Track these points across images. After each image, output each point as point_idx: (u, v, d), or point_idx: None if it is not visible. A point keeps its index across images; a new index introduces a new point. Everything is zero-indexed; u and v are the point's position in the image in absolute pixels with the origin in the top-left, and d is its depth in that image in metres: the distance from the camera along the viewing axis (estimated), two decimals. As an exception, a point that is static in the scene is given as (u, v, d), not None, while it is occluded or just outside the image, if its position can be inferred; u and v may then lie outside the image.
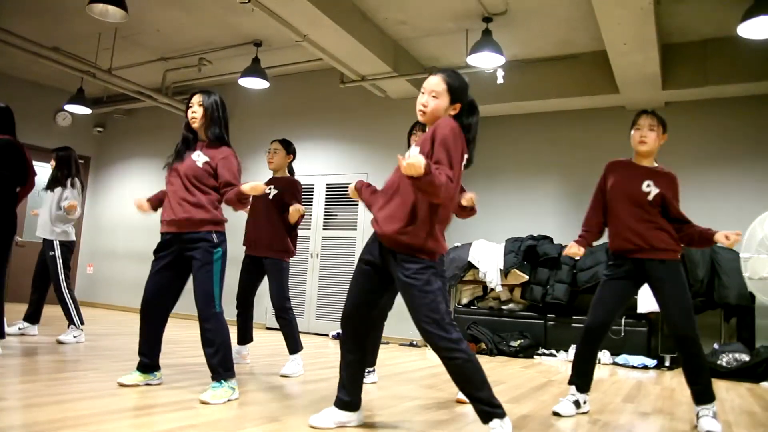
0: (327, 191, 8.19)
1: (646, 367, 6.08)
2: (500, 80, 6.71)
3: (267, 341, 6.28)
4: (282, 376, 4.15)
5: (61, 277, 5.17)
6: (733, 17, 5.25)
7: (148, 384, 3.37)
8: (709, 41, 6.54)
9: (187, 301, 3.41)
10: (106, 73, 7.94)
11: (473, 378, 2.50)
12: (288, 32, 6.15)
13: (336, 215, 8.12)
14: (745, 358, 5.59)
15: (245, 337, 4.62)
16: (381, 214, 2.69)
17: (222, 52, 7.88)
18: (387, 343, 7.25)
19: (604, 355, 6.36)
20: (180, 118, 9.11)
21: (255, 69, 7.25)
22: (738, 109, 6.66)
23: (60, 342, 4.97)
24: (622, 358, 6.24)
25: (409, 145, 3.97)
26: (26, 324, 5.24)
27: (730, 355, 5.64)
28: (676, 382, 5.27)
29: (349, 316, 2.81)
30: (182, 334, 6.53)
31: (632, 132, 3.48)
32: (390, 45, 7.03)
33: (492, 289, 7.24)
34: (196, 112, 3.38)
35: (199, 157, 3.35)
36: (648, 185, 3.34)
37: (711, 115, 6.83)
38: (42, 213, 5.31)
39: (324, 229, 8.13)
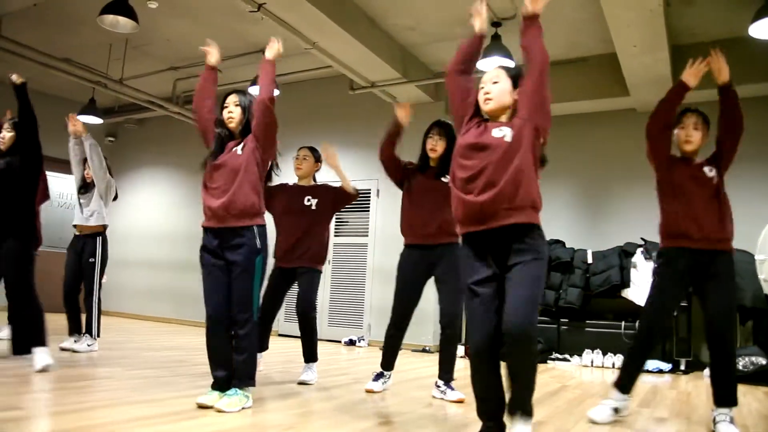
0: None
1: (661, 371, 6.03)
2: (509, 84, 6.69)
3: (279, 348, 6.28)
4: (300, 383, 4.13)
5: (97, 283, 5.16)
6: (744, 17, 5.22)
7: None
8: (720, 42, 6.47)
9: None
10: (118, 83, 7.99)
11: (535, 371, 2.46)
12: (297, 40, 6.17)
13: (347, 221, 8.12)
14: (762, 361, 5.54)
15: (262, 345, 4.61)
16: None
17: (231, 60, 7.89)
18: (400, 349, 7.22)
19: (618, 360, 6.32)
20: (190, 126, 9.17)
21: (264, 77, 7.27)
22: (750, 109, 6.51)
23: (73, 351, 4.94)
24: (636, 362, 6.19)
25: (424, 148, 3.94)
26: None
27: (747, 359, 5.59)
28: (691, 386, 5.23)
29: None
30: (192, 342, 6.57)
31: (676, 131, 3.41)
32: (399, 51, 7.04)
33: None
34: (233, 111, 3.31)
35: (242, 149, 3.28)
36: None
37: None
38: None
39: (335, 235, 8.13)
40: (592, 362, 6.48)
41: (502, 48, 6.10)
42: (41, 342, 3.97)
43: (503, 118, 2.55)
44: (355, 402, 3.58)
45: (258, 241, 3.19)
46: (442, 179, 3.79)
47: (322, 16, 5.66)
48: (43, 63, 7.39)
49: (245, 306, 3.13)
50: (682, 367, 6.16)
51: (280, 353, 5.79)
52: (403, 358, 6.31)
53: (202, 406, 3.07)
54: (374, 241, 7.85)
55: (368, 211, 7.94)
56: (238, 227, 3.15)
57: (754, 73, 6.31)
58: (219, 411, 2.96)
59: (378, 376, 4.02)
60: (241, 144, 3.26)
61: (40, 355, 3.89)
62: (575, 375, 5.69)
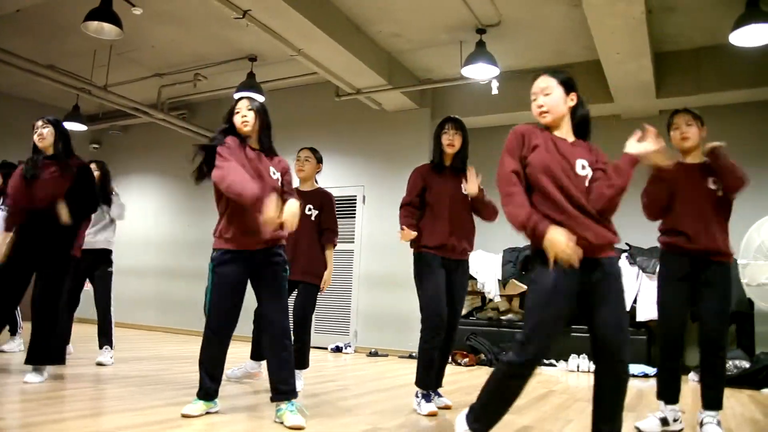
0: (324, 204, 8.19)
1: (646, 376, 6.06)
2: (495, 91, 6.74)
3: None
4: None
5: (112, 294, 5.12)
6: (725, 25, 5.28)
7: (208, 413, 3.17)
8: (702, 49, 6.58)
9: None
10: (102, 90, 7.94)
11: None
12: (283, 47, 6.18)
13: (333, 228, 8.10)
14: (746, 365, 5.59)
15: (261, 354, 4.55)
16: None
17: (217, 67, 7.90)
18: (386, 355, 7.23)
19: (604, 364, 6.35)
20: (175, 133, 9.16)
21: (250, 84, 7.27)
22: (732, 116, 6.68)
23: (100, 364, 4.83)
24: (622, 367, 6.22)
25: (439, 144, 3.78)
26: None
27: (731, 362, 5.62)
28: (676, 390, 5.26)
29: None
30: (178, 350, 6.53)
31: (671, 133, 3.42)
32: (384, 58, 7.06)
33: (491, 300, 7.23)
34: (246, 116, 3.23)
35: (274, 175, 3.27)
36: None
37: (705, 123, 6.84)
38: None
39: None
40: (578, 367, 6.50)
41: (487, 54, 6.14)
42: (61, 359, 4.01)
43: (564, 128, 2.56)
44: (343, 409, 3.57)
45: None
46: (462, 186, 3.73)
47: (307, 23, 5.67)
48: (28, 69, 7.32)
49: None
50: (667, 372, 6.19)
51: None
52: (390, 365, 6.32)
53: (186, 416, 3.05)
54: (360, 247, 7.85)
55: (354, 217, 7.93)
56: None
57: (735, 80, 6.40)
58: (297, 428, 2.90)
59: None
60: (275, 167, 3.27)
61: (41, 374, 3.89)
62: (561, 380, 5.71)
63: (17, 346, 5.49)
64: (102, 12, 5.55)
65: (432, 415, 3.50)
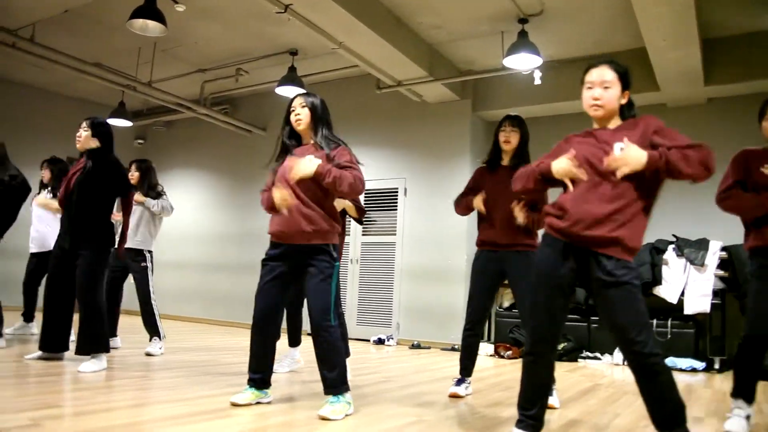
0: (366, 196, 8.20)
1: (694, 370, 5.95)
2: (537, 81, 6.66)
3: (307, 346, 6.30)
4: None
5: (151, 288, 5.20)
6: (778, 9, 5.12)
7: (259, 402, 3.23)
8: (752, 35, 6.38)
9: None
10: (147, 86, 8.09)
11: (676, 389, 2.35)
12: (324, 40, 6.19)
13: (375, 220, 8.13)
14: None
15: (296, 340, 4.64)
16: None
17: (258, 62, 7.96)
18: (429, 347, 7.23)
19: (650, 358, 6.25)
20: (218, 128, 9.28)
21: (291, 77, 7.31)
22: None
23: (149, 354, 4.96)
24: (669, 361, 6.11)
25: (497, 141, 3.81)
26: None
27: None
28: (727, 385, 5.14)
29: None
30: (222, 342, 6.63)
31: (763, 123, 3.45)
32: (425, 49, 7.03)
33: (534, 292, 7.15)
34: (300, 114, 3.26)
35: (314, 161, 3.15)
36: None
37: (756, 111, 6.65)
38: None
39: (363, 234, 8.15)
40: (623, 361, 6.40)
41: (529, 44, 6.06)
42: (105, 348, 4.09)
43: (612, 124, 2.52)
44: (387, 401, 3.58)
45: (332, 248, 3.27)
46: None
47: (348, 16, 5.67)
48: (75, 68, 7.51)
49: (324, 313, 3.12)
50: (716, 366, 6.06)
51: (308, 351, 5.79)
52: (432, 357, 6.32)
53: (235, 405, 3.10)
54: (402, 240, 7.85)
55: (396, 210, 7.93)
56: None
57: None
58: (324, 419, 2.91)
59: (460, 381, 3.89)
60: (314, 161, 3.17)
61: (98, 360, 4.02)
62: (607, 373, 5.64)
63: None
64: (146, 10, 5.64)
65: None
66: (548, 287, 2.46)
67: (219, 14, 6.73)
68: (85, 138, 4.26)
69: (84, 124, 4.30)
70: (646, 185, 2.39)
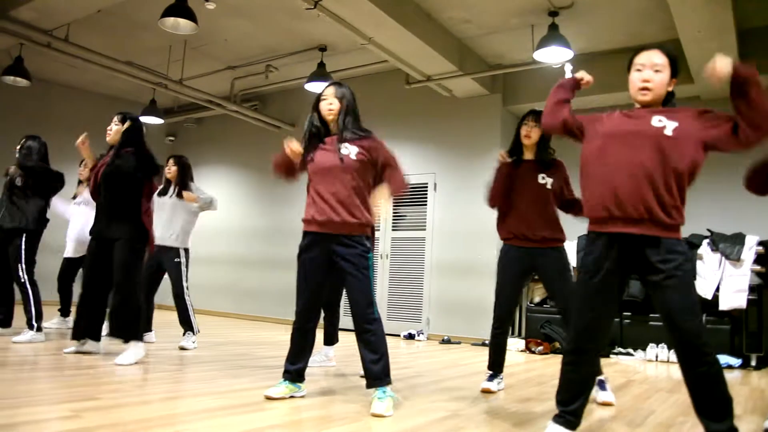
0: (394, 192, 8.20)
1: (730, 367, 5.85)
2: (568, 74, 6.56)
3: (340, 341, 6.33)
4: (362, 376, 4.13)
5: (185, 283, 5.27)
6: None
7: (292, 396, 3.23)
8: (792, 25, 6.24)
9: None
10: (177, 83, 8.18)
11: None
12: (353, 36, 6.20)
13: (405, 215, 8.13)
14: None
15: (332, 339, 4.67)
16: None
17: (288, 58, 8.00)
18: (459, 342, 7.22)
19: (684, 354, 6.16)
20: (248, 124, 9.35)
21: (321, 73, 7.33)
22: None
23: (182, 348, 5.03)
24: (704, 357, 6.02)
25: (518, 136, 3.79)
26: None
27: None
28: (765, 382, 5.06)
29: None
30: (254, 336, 6.68)
31: None
32: (455, 44, 7.00)
33: (564, 288, 7.10)
34: (332, 104, 3.25)
35: (345, 150, 3.18)
36: None
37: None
38: (162, 220, 5.18)
39: (393, 229, 8.15)
40: (656, 357, 6.32)
41: (560, 37, 6.00)
42: (138, 336, 4.15)
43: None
44: (420, 395, 3.59)
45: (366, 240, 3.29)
46: (539, 178, 3.70)
47: (378, 12, 5.67)
48: (108, 66, 7.62)
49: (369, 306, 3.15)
50: (753, 363, 5.96)
51: (341, 346, 5.83)
52: (463, 352, 6.31)
53: (269, 398, 3.13)
54: (432, 235, 7.83)
55: (426, 205, 7.92)
56: None
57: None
58: (378, 416, 2.91)
59: (492, 376, 3.89)
60: (349, 147, 3.19)
61: (134, 350, 4.08)
62: (640, 369, 5.57)
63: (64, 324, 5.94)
64: (178, 8, 5.71)
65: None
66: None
67: (248, 11, 6.78)
68: (115, 131, 4.33)
69: (115, 119, 4.38)
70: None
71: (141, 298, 4.31)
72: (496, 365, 3.89)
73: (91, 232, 4.36)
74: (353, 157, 3.16)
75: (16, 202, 5.01)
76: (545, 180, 3.71)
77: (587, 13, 6.26)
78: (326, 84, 3.42)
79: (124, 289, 4.14)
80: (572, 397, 2.47)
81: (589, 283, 2.41)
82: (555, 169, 3.74)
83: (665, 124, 2.35)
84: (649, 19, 6.29)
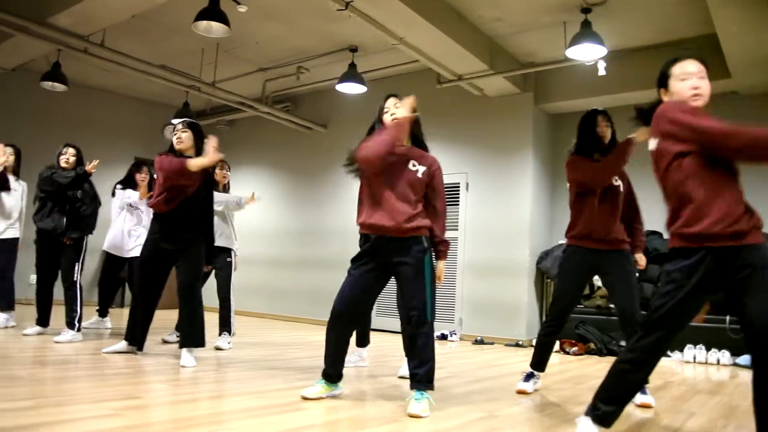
0: (426, 192, 8.19)
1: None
2: (602, 72, 6.51)
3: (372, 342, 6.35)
4: (400, 377, 4.13)
5: (232, 285, 5.35)
6: None
7: (329, 396, 3.27)
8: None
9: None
10: (210, 86, 8.27)
11: None
12: (384, 36, 6.20)
13: (436, 216, 8.10)
14: None
15: (364, 340, 4.68)
16: None
17: (319, 59, 8.04)
18: (492, 343, 7.18)
19: (723, 356, 6.05)
20: (279, 125, 9.41)
21: (352, 74, 7.35)
22: None
23: (218, 348, 5.07)
24: (743, 359, 5.90)
25: (595, 134, 3.72)
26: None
27: None
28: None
29: None
30: (288, 337, 6.72)
31: None
32: (486, 42, 6.96)
33: (599, 287, 7.03)
34: (396, 114, 3.29)
35: (415, 167, 3.25)
36: None
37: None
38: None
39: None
40: (694, 358, 6.22)
41: (593, 34, 5.93)
42: (201, 342, 4.23)
43: None
44: (456, 396, 3.58)
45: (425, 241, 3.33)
46: (613, 180, 3.65)
47: (409, 12, 5.66)
48: (142, 70, 7.73)
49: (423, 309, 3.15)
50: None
51: (374, 347, 5.85)
52: (497, 353, 6.27)
53: (305, 398, 3.15)
54: (464, 234, 7.81)
55: (458, 204, 7.90)
56: None
57: None
58: (415, 416, 2.91)
59: (529, 376, 3.87)
60: (417, 164, 3.26)
61: (191, 355, 4.16)
62: (677, 371, 5.49)
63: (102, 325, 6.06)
64: (210, 12, 5.76)
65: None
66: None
67: (280, 14, 6.83)
68: (186, 138, 4.29)
69: (180, 126, 4.34)
70: None
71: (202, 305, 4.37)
72: (538, 364, 3.85)
73: (151, 241, 4.35)
74: (420, 176, 3.25)
75: (77, 206, 5.13)
76: (618, 182, 3.68)
77: (621, 9, 6.18)
78: (386, 96, 3.46)
79: (192, 301, 4.25)
80: (616, 401, 2.47)
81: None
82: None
83: None
84: (685, 14, 6.19)
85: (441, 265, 3.35)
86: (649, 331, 2.39)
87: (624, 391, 2.46)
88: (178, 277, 4.26)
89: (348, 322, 3.29)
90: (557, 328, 3.75)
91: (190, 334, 4.19)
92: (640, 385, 2.52)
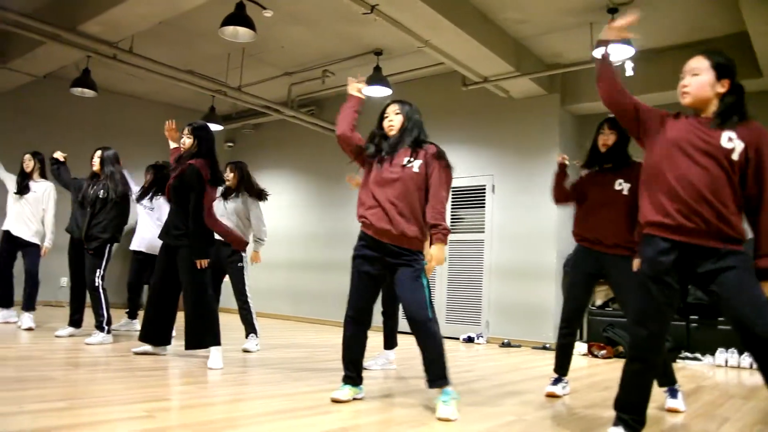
0: (453, 194, 8.14)
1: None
2: (630, 72, 6.44)
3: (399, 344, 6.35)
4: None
5: (247, 287, 5.40)
6: None
7: (355, 399, 3.27)
8: None
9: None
10: (236, 90, 8.33)
11: None
12: (409, 39, 6.20)
13: (463, 218, 8.08)
14: None
15: (392, 342, 4.69)
16: None
17: (344, 63, 8.06)
18: (519, 346, 7.13)
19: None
20: (305, 129, 9.46)
21: (377, 77, 7.35)
22: None
23: (246, 350, 5.13)
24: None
25: (595, 145, 3.76)
26: None
27: None
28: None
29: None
30: (314, 339, 6.74)
31: None
32: (511, 44, 6.93)
33: (626, 290, 6.95)
34: (393, 120, 3.35)
35: (409, 164, 3.23)
36: None
37: None
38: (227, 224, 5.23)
39: (451, 232, 8.09)
40: (726, 362, 6.12)
41: (621, 35, 5.87)
42: (216, 341, 4.23)
43: (710, 112, 2.48)
44: (484, 399, 3.56)
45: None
46: (616, 185, 3.62)
47: (435, 14, 5.66)
48: (169, 76, 7.82)
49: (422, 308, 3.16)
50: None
51: (401, 349, 5.85)
52: (524, 356, 6.23)
53: (336, 401, 3.15)
54: (491, 237, 7.77)
55: (484, 207, 7.86)
56: None
57: None
58: (445, 420, 2.90)
59: (557, 380, 3.84)
60: (413, 159, 3.24)
61: (215, 354, 4.18)
62: (709, 375, 5.40)
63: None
64: (237, 17, 5.81)
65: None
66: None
67: (305, 18, 6.86)
68: (188, 144, 4.38)
69: (186, 130, 4.42)
70: None
71: (212, 304, 4.37)
72: (559, 368, 3.83)
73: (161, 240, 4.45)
74: (416, 170, 3.23)
75: (98, 212, 5.18)
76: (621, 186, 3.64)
77: (648, 8, 6.10)
78: (388, 103, 3.51)
79: (194, 301, 4.25)
80: (637, 407, 2.48)
81: None
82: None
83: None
84: (714, 13, 6.11)
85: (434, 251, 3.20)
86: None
87: (643, 395, 2.48)
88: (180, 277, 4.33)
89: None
90: (570, 329, 3.76)
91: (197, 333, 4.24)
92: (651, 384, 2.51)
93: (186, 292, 4.26)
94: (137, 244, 6.16)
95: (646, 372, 2.45)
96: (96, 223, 5.13)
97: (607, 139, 3.70)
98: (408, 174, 3.19)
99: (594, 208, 3.66)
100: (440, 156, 3.25)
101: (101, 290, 5.09)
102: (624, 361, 2.53)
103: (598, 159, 3.75)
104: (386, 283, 3.42)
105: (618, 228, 3.54)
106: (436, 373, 3.08)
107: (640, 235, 2.53)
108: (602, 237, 3.58)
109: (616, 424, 2.48)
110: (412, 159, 3.22)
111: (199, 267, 4.22)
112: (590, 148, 3.81)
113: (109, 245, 5.18)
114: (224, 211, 5.39)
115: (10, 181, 6.11)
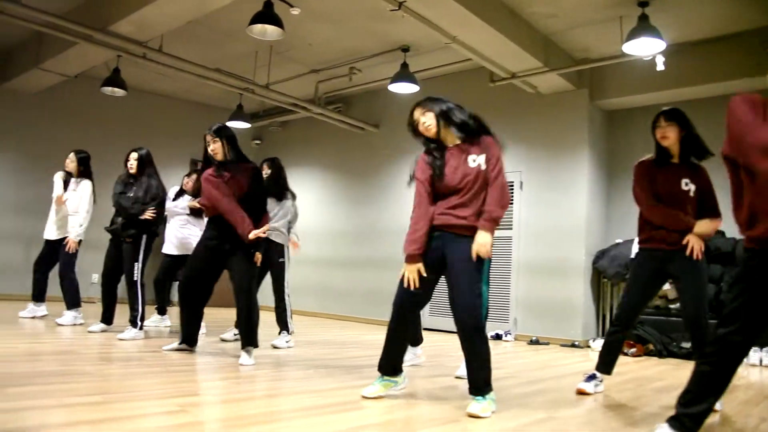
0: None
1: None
2: (660, 67, 6.35)
3: (427, 341, 6.34)
4: (457, 377, 4.11)
5: (287, 284, 5.42)
6: None
7: (389, 395, 3.27)
8: None
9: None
10: (264, 88, 8.38)
11: None
12: (436, 35, 6.19)
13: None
14: None
15: (416, 339, 4.68)
16: None
17: (371, 60, 8.07)
18: (547, 343, 7.09)
19: (791, 357, 5.85)
20: (332, 126, 9.48)
21: (404, 74, 7.34)
22: None
23: (275, 347, 5.14)
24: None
25: (654, 138, 3.63)
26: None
27: None
28: None
29: None
30: (341, 336, 6.76)
31: None
32: (540, 39, 6.87)
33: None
34: (426, 121, 3.27)
35: (474, 162, 3.28)
36: None
37: None
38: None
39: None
40: (760, 361, 6.01)
41: (651, 28, 5.80)
42: (254, 342, 4.25)
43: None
44: (514, 397, 3.54)
45: None
46: (682, 184, 3.53)
47: (462, 10, 5.63)
48: (198, 74, 7.90)
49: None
50: None
51: (429, 346, 5.84)
52: (553, 353, 6.19)
53: (365, 398, 3.16)
54: (519, 234, 7.72)
55: (512, 203, 7.81)
56: None
57: None
58: (473, 416, 2.89)
59: (591, 377, 3.81)
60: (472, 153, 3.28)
61: (246, 355, 4.19)
62: (743, 374, 5.32)
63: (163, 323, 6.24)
64: (265, 15, 5.85)
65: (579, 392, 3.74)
66: None
67: (332, 15, 6.87)
68: (218, 148, 4.28)
69: (209, 136, 4.31)
70: None
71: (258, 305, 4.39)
72: (602, 365, 3.78)
73: (204, 242, 4.41)
74: (475, 164, 3.36)
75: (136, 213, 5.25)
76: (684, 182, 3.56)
77: (679, 2, 6.02)
78: (412, 108, 3.43)
79: (248, 302, 4.25)
80: (701, 413, 2.47)
81: None
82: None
83: None
84: (746, 5, 5.99)
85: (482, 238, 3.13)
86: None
87: (710, 396, 2.48)
88: (234, 278, 4.30)
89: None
90: (621, 328, 3.70)
91: (245, 335, 4.24)
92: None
93: (241, 295, 4.22)
94: (169, 248, 6.18)
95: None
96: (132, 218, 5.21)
97: (665, 131, 3.55)
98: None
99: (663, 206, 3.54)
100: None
101: (139, 285, 5.15)
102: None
103: (662, 155, 3.61)
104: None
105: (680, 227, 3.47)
106: (488, 381, 3.06)
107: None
108: (671, 236, 3.48)
109: (669, 420, 2.49)
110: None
111: (256, 262, 4.28)
112: (655, 144, 3.65)
113: (146, 236, 5.24)
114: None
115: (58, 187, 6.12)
